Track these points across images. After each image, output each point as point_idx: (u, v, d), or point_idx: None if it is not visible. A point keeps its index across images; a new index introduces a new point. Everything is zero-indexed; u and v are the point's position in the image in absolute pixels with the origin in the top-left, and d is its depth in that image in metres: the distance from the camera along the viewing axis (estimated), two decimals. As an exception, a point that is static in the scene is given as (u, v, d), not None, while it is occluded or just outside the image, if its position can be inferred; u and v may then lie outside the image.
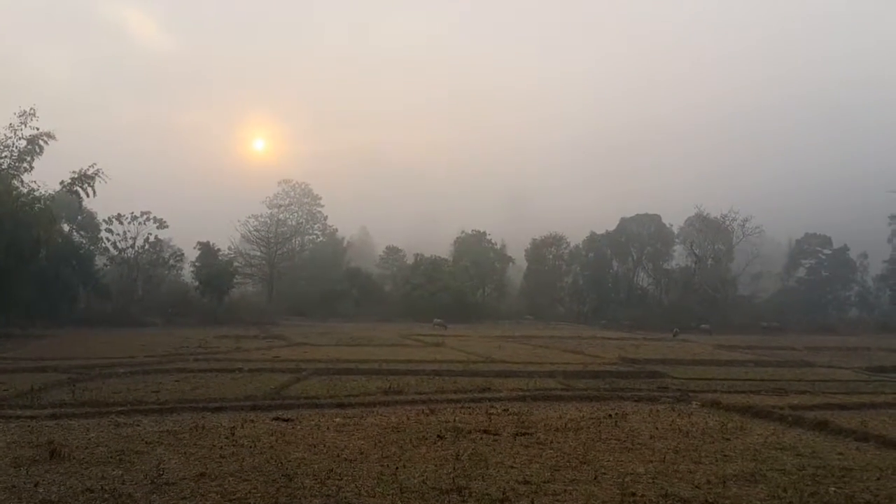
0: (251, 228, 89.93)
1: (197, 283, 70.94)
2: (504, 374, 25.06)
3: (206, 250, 71.83)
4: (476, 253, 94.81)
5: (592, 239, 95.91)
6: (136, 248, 69.28)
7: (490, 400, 18.63)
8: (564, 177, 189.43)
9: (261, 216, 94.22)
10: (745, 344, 47.13)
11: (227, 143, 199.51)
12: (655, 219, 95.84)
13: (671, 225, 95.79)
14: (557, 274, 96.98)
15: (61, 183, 53.24)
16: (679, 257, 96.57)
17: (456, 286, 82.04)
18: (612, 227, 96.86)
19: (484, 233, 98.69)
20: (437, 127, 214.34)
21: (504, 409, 17.11)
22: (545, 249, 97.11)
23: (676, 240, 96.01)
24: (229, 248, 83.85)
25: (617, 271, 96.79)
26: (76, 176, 52.93)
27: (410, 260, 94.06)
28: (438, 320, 63.61)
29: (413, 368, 26.14)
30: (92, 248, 65.26)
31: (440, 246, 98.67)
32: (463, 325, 67.79)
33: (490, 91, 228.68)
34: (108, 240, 67.80)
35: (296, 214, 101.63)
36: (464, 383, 22.18)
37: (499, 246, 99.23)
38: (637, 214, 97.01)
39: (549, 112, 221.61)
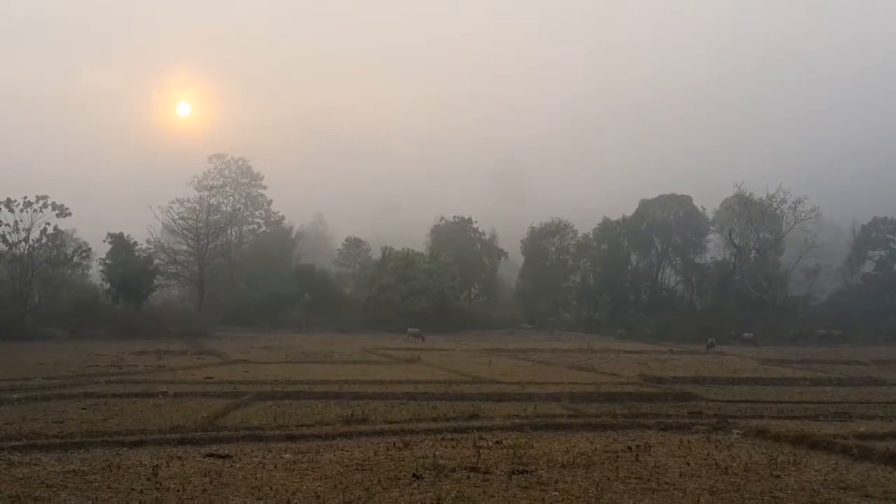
0: (175, 216, 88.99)
1: (108, 286, 70.40)
2: (496, 398, 25.04)
3: (120, 244, 71.36)
4: (459, 245, 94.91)
5: (605, 226, 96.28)
6: (31, 243, 68.30)
7: (479, 430, 18.60)
8: (568, 148, 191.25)
9: (187, 201, 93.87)
10: (799, 357, 47.37)
11: (141, 109, 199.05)
12: (684, 201, 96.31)
13: (704, 208, 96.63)
14: (562, 271, 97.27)
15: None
16: (714, 249, 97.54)
17: (434, 287, 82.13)
18: (629, 211, 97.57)
19: (469, 219, 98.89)
20: (405, 86, 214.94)
21: (496, 442, 17.08)
22: (546, 240, 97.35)
23: (711, 227, 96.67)
24: (148, 242, 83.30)
25: (636, 267, 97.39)
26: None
27: (377, 254, 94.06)
28: (414, 330, 63.60)
29: (381, 391, 26.08)
30: (-26, 242, 64.53)
31: (413, 237, 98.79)
32: (444, 335, 67.79)
33: (474, 36, 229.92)
34: (-6, 232, 66.98)
35: (231, 198, 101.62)
36: (445, 409, 22.11)
37: (487, 236, 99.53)
38: (661, 195, 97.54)
39: (548, 64, 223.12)
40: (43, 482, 12.82)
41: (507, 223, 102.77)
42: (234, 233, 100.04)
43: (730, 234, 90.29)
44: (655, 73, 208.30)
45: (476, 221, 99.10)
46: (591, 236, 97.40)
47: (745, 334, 65.21)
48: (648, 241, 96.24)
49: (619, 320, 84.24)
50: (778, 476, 13.92)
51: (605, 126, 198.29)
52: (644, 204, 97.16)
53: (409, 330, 64.14)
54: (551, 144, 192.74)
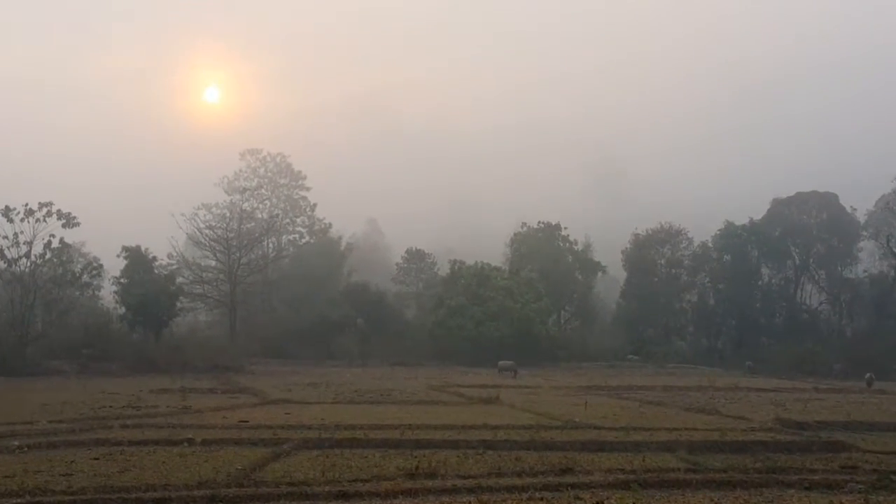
0: (202, 225, 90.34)
1: (123, 310, 71.51)
2: (594, 447, 24.82)
3: (136, 260, 72.52)
4: (545, 257, 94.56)
5: (728, 232, 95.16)
6: (33, 259, 69.44)
7: (573, 487, 18.47)
8: (678, 138, 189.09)
9: (216, 206, 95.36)
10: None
11: (161, 95, 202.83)
12: (829, 200, 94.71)
13: (854, 209, 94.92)
14: (674, 288, 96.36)
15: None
16: (868, 260, 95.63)
17: (516, 309, 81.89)
18: (758, 212, 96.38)
19: (557, 225, 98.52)
20: (479, 66, 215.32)
21: (596, 503, 16.99)
22: (654, 250, 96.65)
23: (864, 232, 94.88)
24: (170, 256, 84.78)
25: (769, 283, 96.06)
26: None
27: (444, 269, 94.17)
28: (507, 363, 63.36)
29: (452, 438, 26.03)
30: (-34, 258, 66.12)
31: (488, 247, 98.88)
32: (528, 369, 67.61)
33: (561, 14, 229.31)
34: (-11, 246, 68.61)
35: (268, 202, 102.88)
36: (532, 461, 22.00)
37: (580, 246, 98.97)
38: (798, 193, 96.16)
39: (649, 43, 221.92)
40: (49, 548, 13.07)
41: (604, 229, 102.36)
42: (271, 244, 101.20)
43: (888, 241, 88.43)
44: (784, 47, 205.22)
45: (566, 228, 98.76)
46: (709, 245, 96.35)
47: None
48: (783, 251, 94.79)
49: (747, 350, 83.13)
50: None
51: (725, 111, 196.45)
52: (777, 204, 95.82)
53: (500, 363, 64.02)
54: (656, 134, 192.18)
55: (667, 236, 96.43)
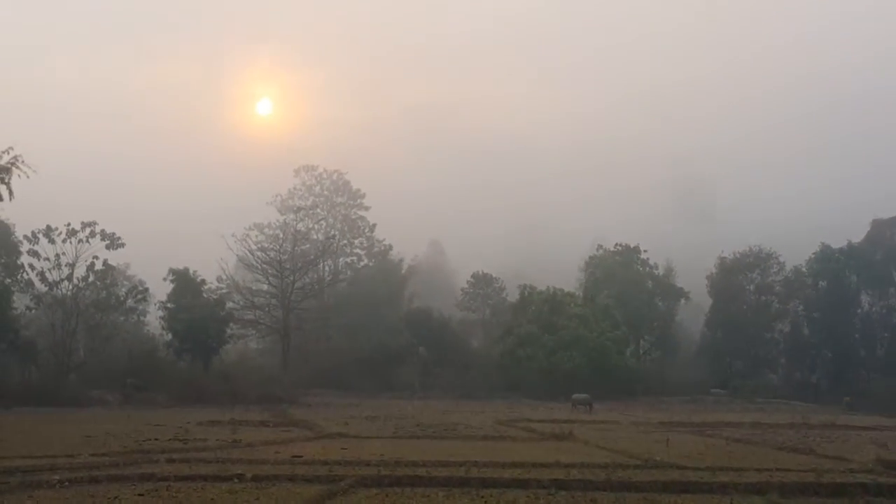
0: (253, 246, 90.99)
1: (169, 337, 72.33)
2: (677, 489, 24.57)
3: (184, 283, 73.30)
4: (623, 282, 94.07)
5: (824, 256, 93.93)
6: (76, 282, 70.63)
7: (655, 531, 18.34)
8: (767, 155, 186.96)
9: (268, 226, 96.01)
10: None
11: (212, 110, 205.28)
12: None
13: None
14: (764, 317, 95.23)
15: (-40, 179, 54.98)
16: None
17: (590, 338, 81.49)
18: (857, 234, 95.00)
19: (636, 248, 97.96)
20: (549, 83, 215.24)
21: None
22: (742, 275, 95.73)
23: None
24: (219, 280, 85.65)
25: (869, 311, 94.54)
26: (-18, 167, 54.63)
27: (513, 295, 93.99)
28: (582, 396, 63.16)
29: (522, 476, 25.90)
30: (8, 280, 67.34)
31: (561, 271, 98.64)
32: (604, 403, 67.16)
33: (633, 29, 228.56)
34: (32, 268, 69.73)
35: (324, 222, 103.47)
36: (608, 503, 21.88)
37: (661, 270, 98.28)
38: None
39: (736, 52, 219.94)
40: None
41: (687, 253, 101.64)
42: (327, 267, 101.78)
43: None
44: (887, 53, 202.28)
45: (645, 251, 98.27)
46: (803, 270, 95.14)
47: None
48: (885, 276, 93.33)
49: (845, 385, 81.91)
50: None
51: (819, 124, 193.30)
52: (878, 225, 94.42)
53: (574, 396, 63.80)
54: (744, 150, 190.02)
55: (756, 260, 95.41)
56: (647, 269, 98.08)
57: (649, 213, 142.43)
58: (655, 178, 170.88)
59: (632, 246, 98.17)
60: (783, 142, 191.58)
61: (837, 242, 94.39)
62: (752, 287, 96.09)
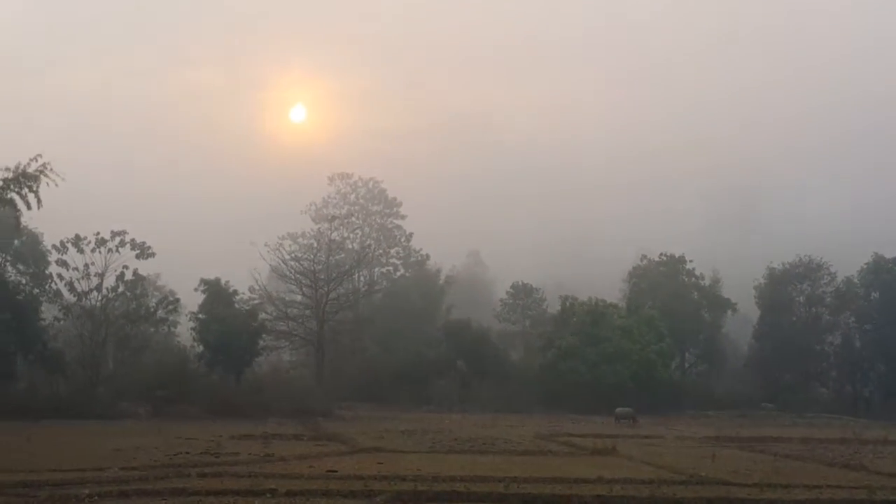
0: (287, 256, 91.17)
1: (201, 348, 72.69)
2: (724, 506, 24.55)
3: (215, 294, 73.63)
4: (668, 293, 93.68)
5: (877, 266, 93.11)
6: (105, 292, 70.90)
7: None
8: (817, 162, 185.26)
9: (302, 235, 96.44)
10: None
11: (244, 117, 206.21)
12: None
13: None
14: (815, 329, 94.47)
15: (-14, 187, 55.51)
16: None
17: (634, 351, 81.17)
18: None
19: (681, 258, 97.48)
20: (589, 86, 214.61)
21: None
22: (791, 286, 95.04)
23: None
24: (252, 290, 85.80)
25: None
26: (10, 176, 54.88)
27: (554, 306, 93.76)
28: (625, 410, 63.13)
29: (563, 492, 25.87)
30: (36, 291, 68.00)
31: (603, 282, 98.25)
32: (648, 417, 66.95)
33: (679, 37, 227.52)
34: (60, 278, 70.03)
35: (359, 231, 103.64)
36: (654, 520, 21.83)
37: (707, 281, 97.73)
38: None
39: (784, 51, 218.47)
40: None
41: (734, 263, 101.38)
42: (362, 278, 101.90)
43: None
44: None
45: (691, 261, 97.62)
46: (855, 281, 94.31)
47: None
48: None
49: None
50: None
51: (866, 133, 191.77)
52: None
53: (618, 410, 63.79)
54: (793, 158, 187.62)
55: (806, 271, 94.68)
56: (693, 279, 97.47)
57: (695, 223, 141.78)
58: (702, 187, 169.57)
59: (677, 256, 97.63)
60: (833, 151, 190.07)
61: (890, 252, 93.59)
62: (801, 298, 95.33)
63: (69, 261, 69.16)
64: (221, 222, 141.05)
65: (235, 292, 76.74)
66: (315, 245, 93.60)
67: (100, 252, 69.22)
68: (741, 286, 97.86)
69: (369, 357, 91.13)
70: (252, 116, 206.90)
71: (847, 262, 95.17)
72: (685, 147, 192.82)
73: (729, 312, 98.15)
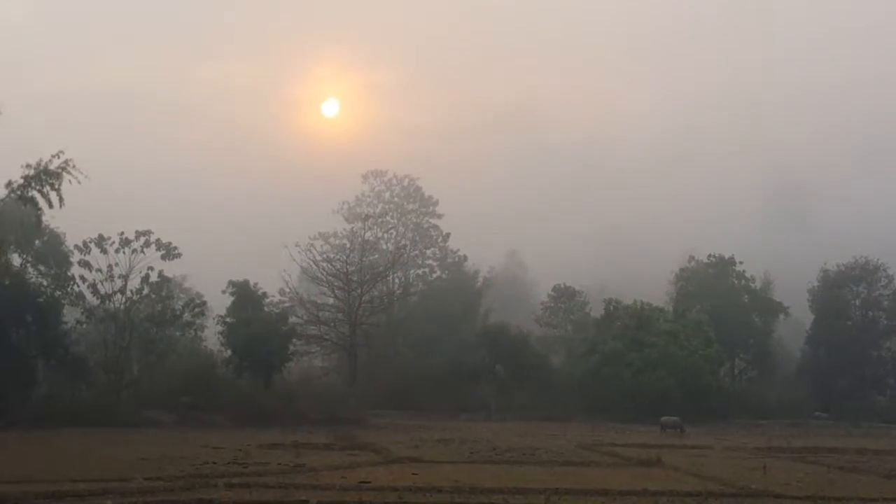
0: (318, 257, 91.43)
1: (228, 353, 72.95)
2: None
3: (244, 296, 73.76)
4: (716, 296, 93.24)
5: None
6: (130, 294, 70.99)
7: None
8: (876, 156, 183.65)
9: (334, 236, 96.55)
10: None
11: (274, 112, 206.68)
12: None
13: None
14: (872, 334, 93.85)
15: (7, 185, 55.70)
16: None
17: (681, 357, 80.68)
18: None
19: (731, 259, 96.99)
20: (634, 77, 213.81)
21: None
22: (847, 289, 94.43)
23: None
24: (282, 293, 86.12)
25: None
26: (32, 173, 55.31)
27: (597, 309, 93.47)
28: (672, 419, 62.98)
29: (607, 505, 25.84)
30: (58, 293, 68.20)
31: (649, 284, 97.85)
32: (695, 427, 66.62)
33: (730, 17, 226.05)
34: (83, 280, 70.14)
35: (394, 231, 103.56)
36: (701, 535, 21.72)
37: (758, 284, 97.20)
38: None
39: (847, 54, 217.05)
40: None
41: (786, 265, 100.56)
42: (397, 280, 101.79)
43: None
44: None
45: (741, 262, 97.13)
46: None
47: None
48: None
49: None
50: None
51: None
52: None
53: (663, 419, 63.62)
54: (850, 152, 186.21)
55: (862, 273, 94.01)
56: (743, 281, 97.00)
57: (745, 223, 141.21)
58: (753, 185, 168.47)
59: (726, 257, 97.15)
60: (892, 151, 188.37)
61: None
62: (857, 302, 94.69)
63: (92, 262, 69.38)
64: (250, 222, 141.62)
65: (265, 295, 76.92)
66: (348, 245, 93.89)
67: (124, 253, 69.38)
68: (794, 289, 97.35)
69: (404, 362, 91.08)
70: (282, 112, 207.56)
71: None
72: (738, 146, 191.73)
73: (781, 316, 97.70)
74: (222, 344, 74.62)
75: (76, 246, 69.90)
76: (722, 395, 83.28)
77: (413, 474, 33.42)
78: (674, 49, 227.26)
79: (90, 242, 69.06)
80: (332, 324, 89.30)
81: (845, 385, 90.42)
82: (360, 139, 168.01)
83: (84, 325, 71.03)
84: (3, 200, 55.41)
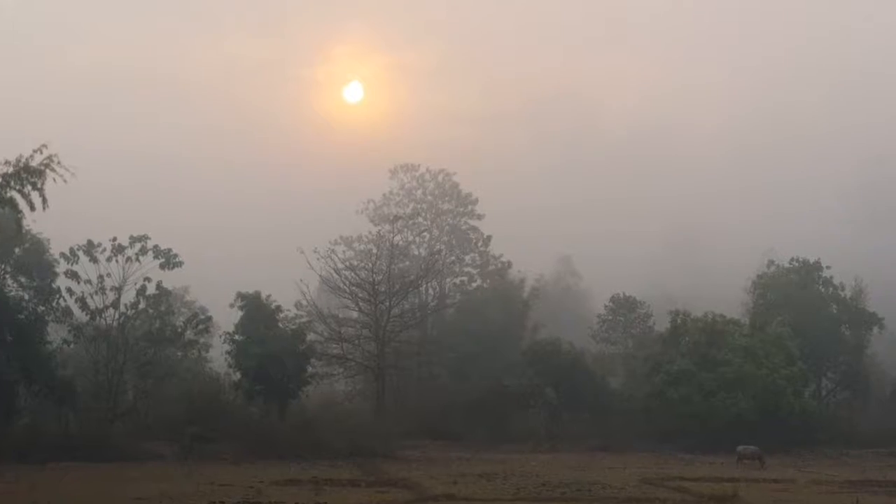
0: (340, 264, 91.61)
1: (238, 376, 73.11)
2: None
3: (255, 310, 73.88)
4: (801, 307, 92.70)
5: None
6: (123, 309, 71.24)
7: None
8: None
9: (358, 240, 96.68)
10: None
11: (289, 97, 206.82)
12: None
13: None
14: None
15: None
16: None
17: (761, 377, 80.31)
18: None
19: (816, 264, 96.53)
20: (701, 61, 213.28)
21: None
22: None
23: None
24: (299, 307, 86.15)
25: None
26: (10, 170, 55.52)
27: (662, 323, 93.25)
28: (749, 448, 62.75)
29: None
30: (41, 308, 68.40)
31: (720, 295, 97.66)
32: (776, 457, 66.49)
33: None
34: (70, 293, 70.16)
35: (427, 234, 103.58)
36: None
37: (848, 292, 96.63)
38: None
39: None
40: None
41: (881, 271, 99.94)
42: (430, 290, 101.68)
43: None
44: None
45: (828, 267, 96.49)
46: None
47: None
48: None
49: None
50: None
51: None
52: None
53: (740, 448, 63.35)
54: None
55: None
56: (831, 290, 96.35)
57: (834, 224, 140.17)
58: (842, 182, 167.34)
59: (811, 261, 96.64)
60: None
61: None
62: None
63: (81, 272, 69.16)
64: (262, 224, 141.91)
65: (279, 308, 76.78)
66: (374, 251, 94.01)
67: (117, 261, 69.43)
68: (891, 298, 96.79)
69: (439, 385, 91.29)
70: (298, 96, 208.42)
71: None
72: (826, 131, 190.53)
73: (875, 330, 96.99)
74: (230, 365, 74.63)
75: (62, 254, 69.62)
76: (806, 420, 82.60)
77: (450, 514, 33.39)
78: (747, 14, 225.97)
79: (78, 250, 68.94)
80: (357, 341, 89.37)
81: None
82: (387, 128, 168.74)
83: (72, 346, 71.25)
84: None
